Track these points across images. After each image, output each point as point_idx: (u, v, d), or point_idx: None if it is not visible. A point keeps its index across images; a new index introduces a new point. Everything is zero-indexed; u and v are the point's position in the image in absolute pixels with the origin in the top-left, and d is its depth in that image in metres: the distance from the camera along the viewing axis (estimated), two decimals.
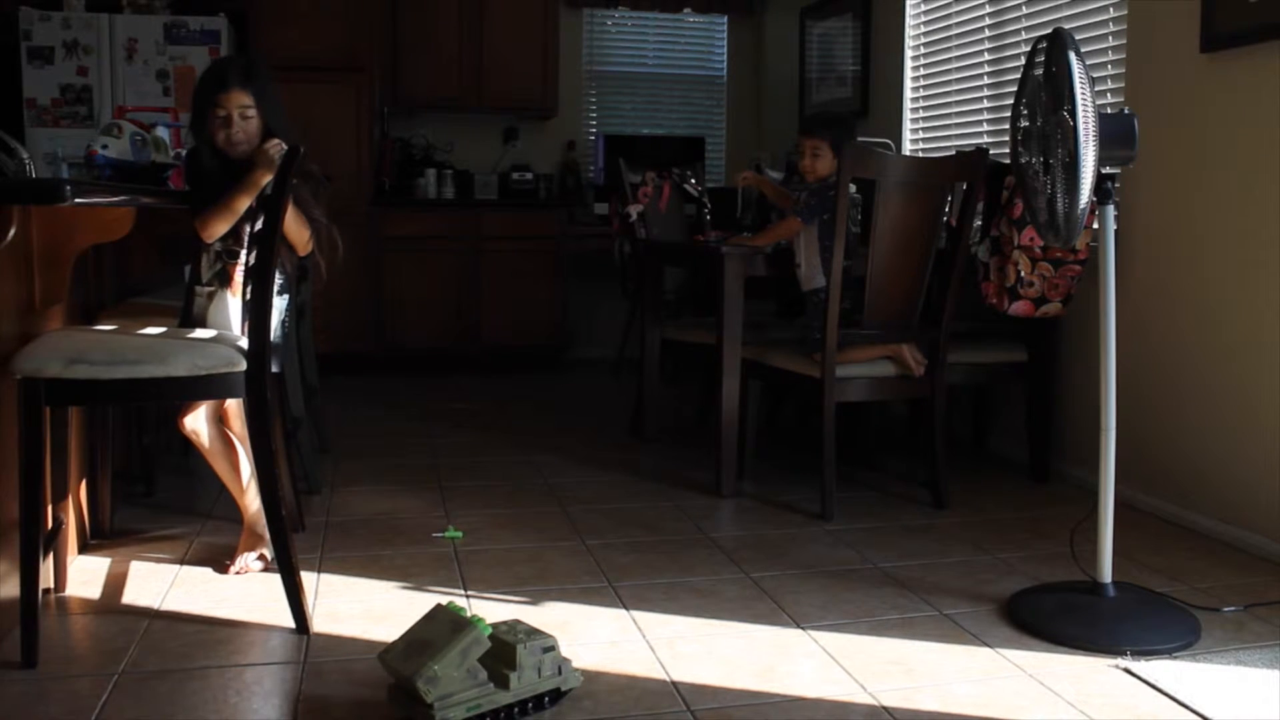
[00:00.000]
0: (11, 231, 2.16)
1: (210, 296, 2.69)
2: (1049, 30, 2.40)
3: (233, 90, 2.62)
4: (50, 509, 2.46)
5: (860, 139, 3.74)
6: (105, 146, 3.09)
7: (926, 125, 4.84)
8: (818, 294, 3.32)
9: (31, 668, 2.13)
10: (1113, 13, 3.59)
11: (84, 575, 2.70)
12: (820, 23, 5.86)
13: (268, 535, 2.54)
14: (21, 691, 2.05)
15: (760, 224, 4.66)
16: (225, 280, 2.70)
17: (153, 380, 2.25)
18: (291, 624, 2.37)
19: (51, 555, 2.51)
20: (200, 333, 2.53)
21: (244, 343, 2.39)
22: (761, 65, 6.73)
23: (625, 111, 6.68)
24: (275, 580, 2.44)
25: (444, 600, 2.10)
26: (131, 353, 2.25)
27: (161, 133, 3.41)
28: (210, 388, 2.35)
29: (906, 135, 4.95)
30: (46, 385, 2.17)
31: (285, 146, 2.49)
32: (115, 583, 2.66)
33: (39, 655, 2.15)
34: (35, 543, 2.16)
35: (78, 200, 1.98)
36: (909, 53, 4.96)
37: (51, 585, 2.55)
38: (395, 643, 1.99)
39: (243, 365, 2.35)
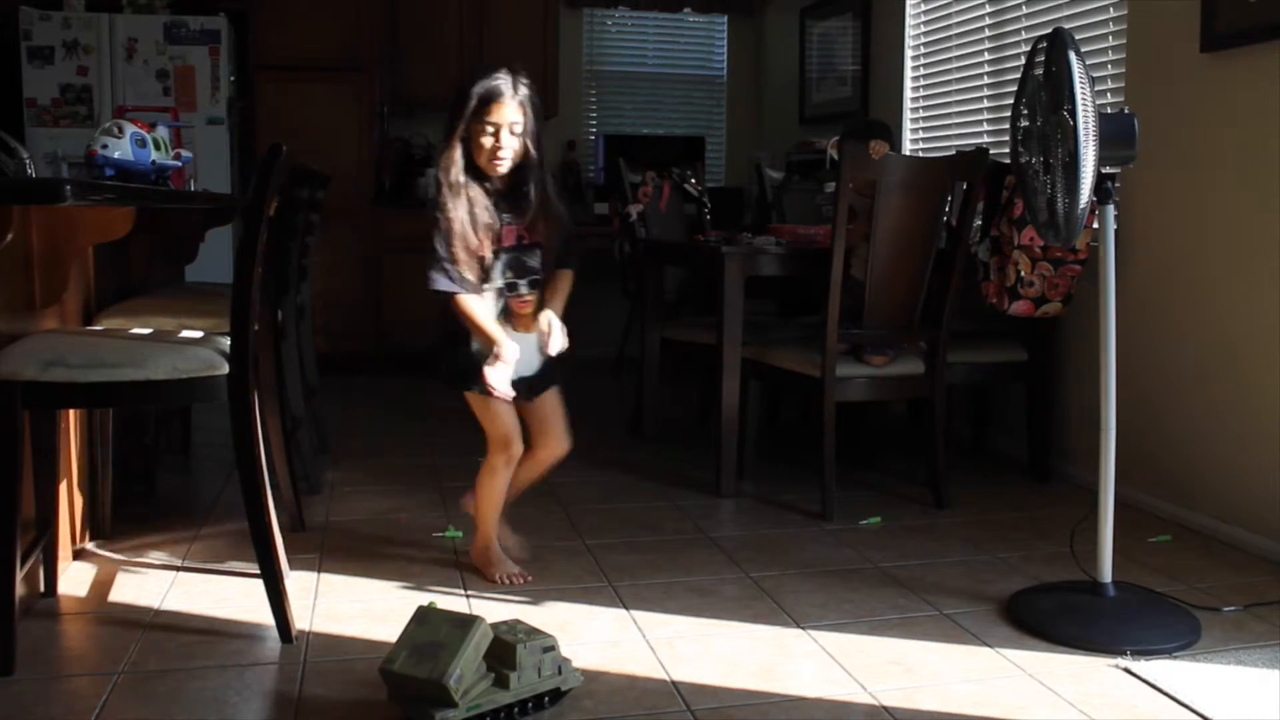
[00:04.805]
0: (11, 232, 2.16)
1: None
2: (1049, 30, 2.40)
3: (506, 102, 2.50)
4: (40, 512, 2.45)
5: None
6: (105, 146, 3.08)
7: (926, 125, 4.84)
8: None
9: (9, 675, 2.08)
10: (1113, 13, 3.59)
11: (84, 575, 2.70)
12: (820, 23, 5.86)
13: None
14: (21, 692, 2.04)
15: (761, 224, 4.66)
16: (507, 316, 2.59)
17: (131, 384, 2.19)
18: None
19: (43, 558, 2.50)
20: (184, 334, 2.47)
21: (226, 344, 2.31)
22: (761, 65, 6.72)
23: (625, 111, 6.68)
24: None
25: (434, 600, 2.09)
26: (110, 355, 2.19)
27: (162, 133, 3.40)
28: (191, 392, 2.28)
29: (906, 135, 4.95)
30: (23, 388, 2.12)
31: (564, 342, 2.47)
32: (115, 583, 2.66)
33: (16, 663, 2.10)
34: (11, 548, 2.10)
35: (78, 200, 1.98)
36: (909, 53, 4.96)
37: (42, 588, 2.53)
38: (394, 652, 1.95)
39: (224, 369, 2.27)
